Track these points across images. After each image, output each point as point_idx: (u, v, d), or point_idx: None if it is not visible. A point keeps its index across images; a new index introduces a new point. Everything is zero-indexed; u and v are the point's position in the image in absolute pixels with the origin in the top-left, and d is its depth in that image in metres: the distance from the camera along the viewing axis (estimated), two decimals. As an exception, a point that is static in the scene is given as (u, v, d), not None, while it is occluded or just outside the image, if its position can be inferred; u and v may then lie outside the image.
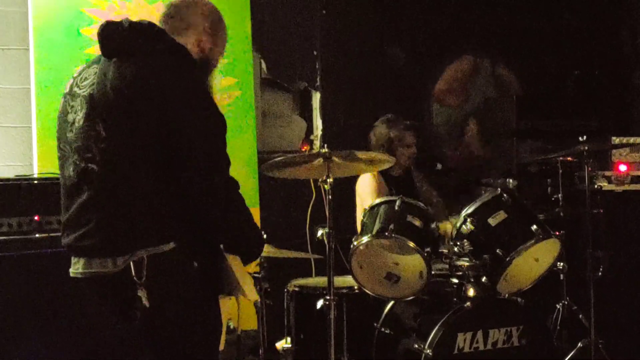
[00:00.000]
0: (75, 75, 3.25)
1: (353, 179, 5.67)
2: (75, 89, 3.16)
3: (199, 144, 3.02)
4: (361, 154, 4.27)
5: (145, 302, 2.97)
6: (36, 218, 4.53)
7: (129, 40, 3.09)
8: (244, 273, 3.25)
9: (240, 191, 3.19)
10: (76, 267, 3.13)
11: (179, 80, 3.04)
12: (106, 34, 3.14)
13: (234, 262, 3.20)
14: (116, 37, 3.11)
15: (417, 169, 5.90)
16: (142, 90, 2.98)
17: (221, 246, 3.20)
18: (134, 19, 3.20)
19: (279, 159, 4.16)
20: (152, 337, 3.14)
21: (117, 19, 3.19)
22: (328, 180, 4.16)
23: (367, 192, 5.55)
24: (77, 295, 4.23)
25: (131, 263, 2.97)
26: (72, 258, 3.16)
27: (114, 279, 3.03)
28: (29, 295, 4.40)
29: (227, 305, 3.41)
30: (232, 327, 4.80)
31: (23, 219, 4.50)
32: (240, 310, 4.81)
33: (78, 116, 3.10)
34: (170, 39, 3.18)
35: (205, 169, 3.03)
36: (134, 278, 2.97)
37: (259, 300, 4.63)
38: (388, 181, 5.60)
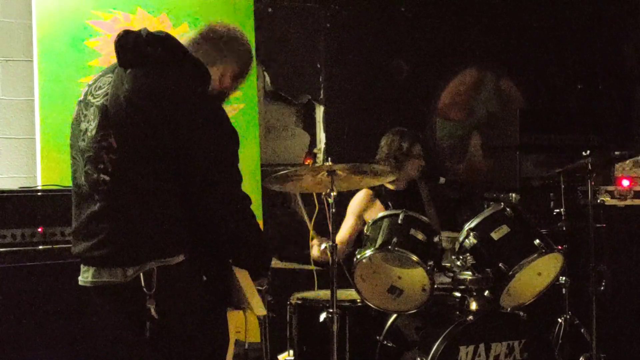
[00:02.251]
0: (90, 83, 3.26)
1: (355, 193, 5.68)
2: (90, 97, 3.17)
3: (210, 159, 3.02)
4: (365, 167, 4.28)
5: (154, 313, 2.98)
6: (40, 230, 4.54)
7: (146, 51, 3.09)
8: (252, 287, 3.26)
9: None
10: (85, 276, 3.14)
11: (192, 94, 3.04)
12: (123, 43, 3.14)
13: (242, 276, 3.21)
14: (133, 47, 3.10)
15: (425, 183, 5.88)
16: (155, 103, 2.99)
17: (230, 260, 3.21)
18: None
19: (281, 172, 4.18)
20: (159, 349, 3.14)
21: (121, 31, 3.19)
22: (332, 193, 4.17)
23: (351, 211, 5.59)
24: (81, 307, 4.25)
25: (141, 274, 2.98)
26: (82, 267, 3.18)
27: (123, 290, 3.04)
28: (33, 307, 4.40)
29: (235, 319, 3.41)
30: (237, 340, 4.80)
31: (26, 231, 4.50)
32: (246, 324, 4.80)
33: (91, 126, 3.11)
34: (187, 54, 3.17)
35: (216, 184, 3.04)
36: (144, 289, 2.98)
37: (266, 314, 4.63)
38: (386, 197, 5.59)
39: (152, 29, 3.23)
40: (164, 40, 3.15)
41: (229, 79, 3.36)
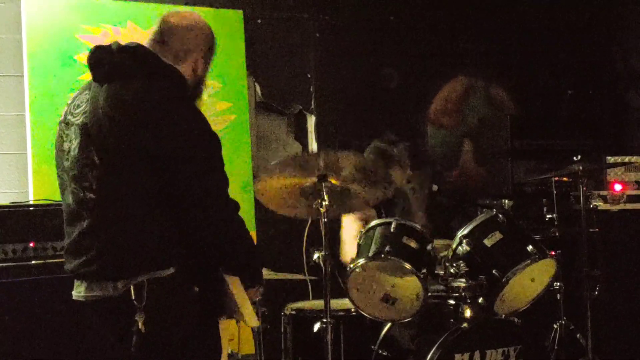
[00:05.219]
0: (69, 102, 3.26)
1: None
2: (69, 117, 3.17)
3: (193, 164, 3.02)
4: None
5: (141, 326, 2.97)
6: (31, 245, 4.53)
7: (119, 65, 3.09)
8: (245, 298, 3.25)
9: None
10: (79, 291, 3.15)
11: (169, 103, 3.04)
12: (96, 59, 3.14)
13: (235, 286, 3.20)
14: (106, 62, 3.10)
15: (414, 191, 5.89)
16: (133, 116, 2.99)
17: (221, 268, 3.20)
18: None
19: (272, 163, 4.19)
20: (152, 361, 3.14)
21: (92, 47, 3.19)
22: (323, 203, 4.17)
23: (349, 237, 5.56)
24: (74, 321, 4.23)
25: (131, 287, 2.98)
26: (75, 281, 3.18)
27: (115, 303, 3.04)
28: (25, 322, 4.38)
29: (228, 329, 3.41)
30: (230, 351, 4.79)
31: (18, 246, 4.49)
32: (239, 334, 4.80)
33: (73, 145, 3.11)
34: (160, 61, 3.17)
35: (202, 191, 3.03)
36: (134, 302, 2.97)
37: (259, 326, 4.62)
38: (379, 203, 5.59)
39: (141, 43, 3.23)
40: (135, 51, 3.15)
41: (201, 63, 3.35)
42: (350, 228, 5.60)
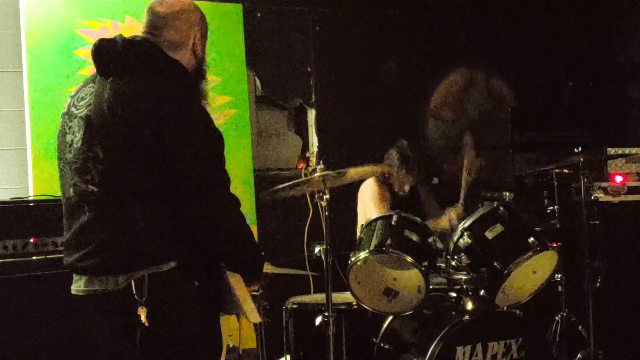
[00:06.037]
0: (72, 94, 3.23)
1: (350, 195, 5.69)
2: (73, 109, 3.16)
3: (197, 161, 3.01)
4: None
5: (144, 320, 2.97)
6: (32, 240, 4.52)
7: (124, 58, 3.07)
8: (246, 294, 3.24)
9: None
10: (78, 285, 3.13)
11: (174, 99, 3.02)
12: (100, 52, 3.12)
13: (235, 282, 3.19)
14: (111, 56, 3.09)
15: (422, 186, 5.93)
16: (137, 111, 2.97)
17: (222, 265, 3.20)
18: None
19: (275, 189, 4.21)
20: (153, 356, 3.12)
21: (96, 40, 3.17)
22: (324, 197, 4.17)
23: (369, 197, 5.58)
24: (74, 317, 4.23)
25: (132, 282, 2.97)
26: (74, 276, 3.17)
27: (115, 297, 3.02)
28: (25, 318, 4.38)
29: (227, 324, 3.40)
30: (231, 346, 4.79)
31: (19, 242, 4.49)
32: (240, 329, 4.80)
33: (76, 137, 3.09)
34: (164, 55, 3.15)
35: (204, 188, 3.02)
36: (135, 297, 2.97)
37: (261, 322, 4.62)
38: (393, 196, 5.63)
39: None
40: (140, 46, 3.14)
41: (199, 43, 3.32)
42: (369, 189, 5.63)
